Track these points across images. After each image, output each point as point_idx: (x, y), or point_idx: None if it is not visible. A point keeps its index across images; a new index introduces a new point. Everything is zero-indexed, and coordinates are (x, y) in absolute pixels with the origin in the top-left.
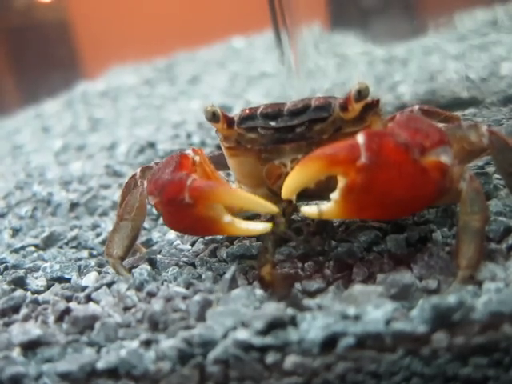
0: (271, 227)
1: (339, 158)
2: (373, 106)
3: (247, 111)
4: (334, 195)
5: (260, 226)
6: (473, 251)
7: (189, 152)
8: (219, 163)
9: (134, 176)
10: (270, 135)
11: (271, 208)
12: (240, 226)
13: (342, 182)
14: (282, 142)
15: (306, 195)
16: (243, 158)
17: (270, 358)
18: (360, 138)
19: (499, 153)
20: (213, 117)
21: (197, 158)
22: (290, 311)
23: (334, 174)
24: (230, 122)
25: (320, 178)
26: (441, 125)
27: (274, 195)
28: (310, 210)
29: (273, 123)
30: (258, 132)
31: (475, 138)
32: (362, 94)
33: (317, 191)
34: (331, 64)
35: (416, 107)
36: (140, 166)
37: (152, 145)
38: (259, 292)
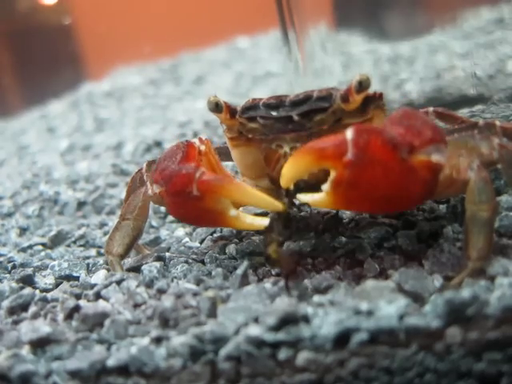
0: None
1: (327, 153)
2: (375, 99)
3: (250, 101)
4: (325, 187)
5: (265, 221)
6: (482, 242)
7: (195, 141)
8: (226, 154)
9: (140, 170)
10: (271, 125)
11: (276, 205)
12: (245, 221)
13: (332, 174)
14: (282, 132)
15: (307, 187)
16: (245, 149)
17: (282, 354)
18: (349, 134)
19: (509, 167)
20: (216, 107)
21: (202, 148)
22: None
23: (325, 167)
24: (232, 112)
25: (312, 170)
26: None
27: (275, 185)
28: (304, 197)
29: (274, 113)
30: (260, 122)
31: (486, 150)
32: (362, 85)
33: (315, 183)
34: (337, 63)
35: (430, 109)
36: None
37: (158, 144)
38: (269, 286)
